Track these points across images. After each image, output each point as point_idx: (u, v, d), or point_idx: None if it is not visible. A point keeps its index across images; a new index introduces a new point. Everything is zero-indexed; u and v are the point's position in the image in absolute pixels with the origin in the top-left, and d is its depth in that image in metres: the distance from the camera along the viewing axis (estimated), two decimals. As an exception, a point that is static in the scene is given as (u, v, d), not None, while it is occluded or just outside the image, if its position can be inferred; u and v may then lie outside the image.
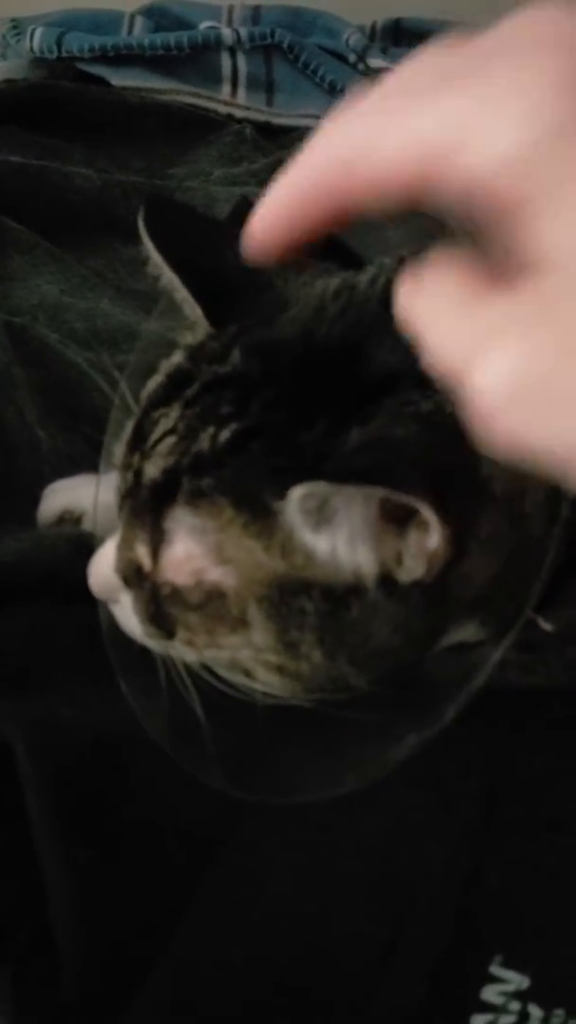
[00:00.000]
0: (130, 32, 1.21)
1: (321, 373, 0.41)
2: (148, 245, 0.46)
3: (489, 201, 0.25)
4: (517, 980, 0.43)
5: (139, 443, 0.43)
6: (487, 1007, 0.42)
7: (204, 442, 0.41)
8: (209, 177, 1.02)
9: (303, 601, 0.42)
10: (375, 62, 1.18)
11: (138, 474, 0.43)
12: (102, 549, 0.46)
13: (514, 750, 0.49)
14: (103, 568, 0.46)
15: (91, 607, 0.49)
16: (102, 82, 1.16)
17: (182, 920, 0.44)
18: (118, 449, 0.45)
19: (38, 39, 1.17)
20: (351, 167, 0.27)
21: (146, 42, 1.16)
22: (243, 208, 0.54)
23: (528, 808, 0.48)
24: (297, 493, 0.38)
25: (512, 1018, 0.42)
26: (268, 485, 0.39)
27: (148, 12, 1.25)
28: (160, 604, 0.44)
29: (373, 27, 1.28)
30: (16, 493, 0.61)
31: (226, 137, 1.10)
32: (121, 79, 1.16)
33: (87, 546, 0.49)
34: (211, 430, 0.41)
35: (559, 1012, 0.42)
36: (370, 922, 0.45)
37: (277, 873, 0.46)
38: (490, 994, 0.43)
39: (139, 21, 1.22)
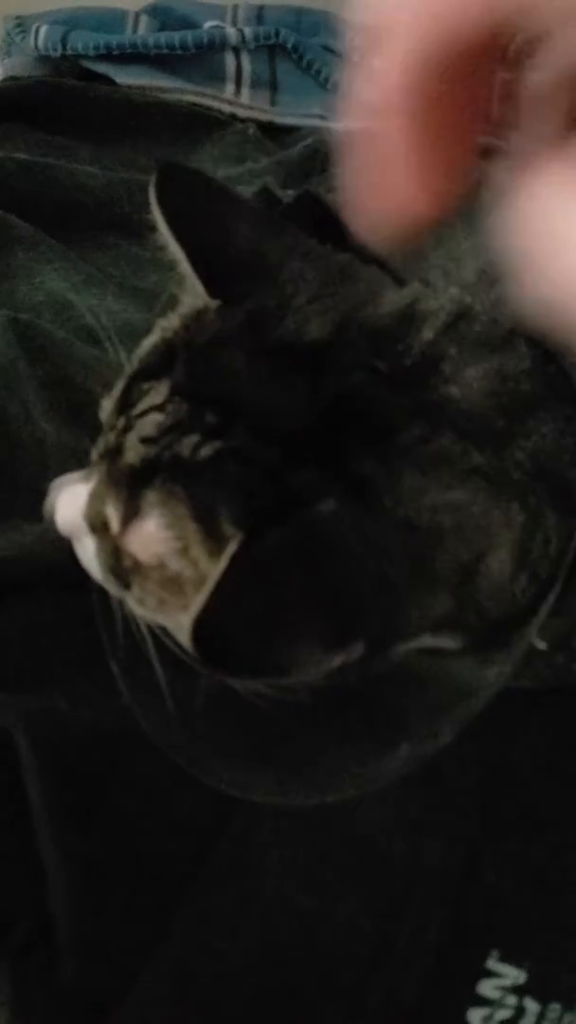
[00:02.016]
0: (135, 31, 1.21)
1: (338, 404, 0.41)
2: (156, 213, 0.45)
3: None
4: (514, 975, 0.43)
5: (125, 407, 0.44)
6: (484, 1001, 0.43)
7: (186, 448, 0.41)
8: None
9: None
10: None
11: (120, 442, 0.43)
12: (76, 488, 0.47)
13: (508, 748, 0.50)
14: (72, 509, 0.47)
15: (91, 601, 0.50)
16: (106, 80, 1.17)
17: (179, 913, 0.45)
18: (107, 404, 0.46)
19: (43, 37, 1.17)
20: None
21: (151, 41, 1.17)
22: (263, 196, 0.54)
23: (523, 805, 0.49)
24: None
25: (508, 1012, 0.42)
26: (229, 510, 0.40)
27: (153, 11, 1.25)
28: (121, 563, 0.44)
29: (377, 28, 1.28)
30: (21, 487, 0.61)
31: (229, 136, 1.10)
32: (125, 77, 1.17)
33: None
34: (195, 438, 0.41)
35: (555, 1006, 0.42)
36: (366, 917, 0.45)
37: (273, 867, 0.47)
38: (487, 988, 0.43)
39: (144, 20, 1.23)
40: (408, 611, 0.41)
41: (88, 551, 0.47)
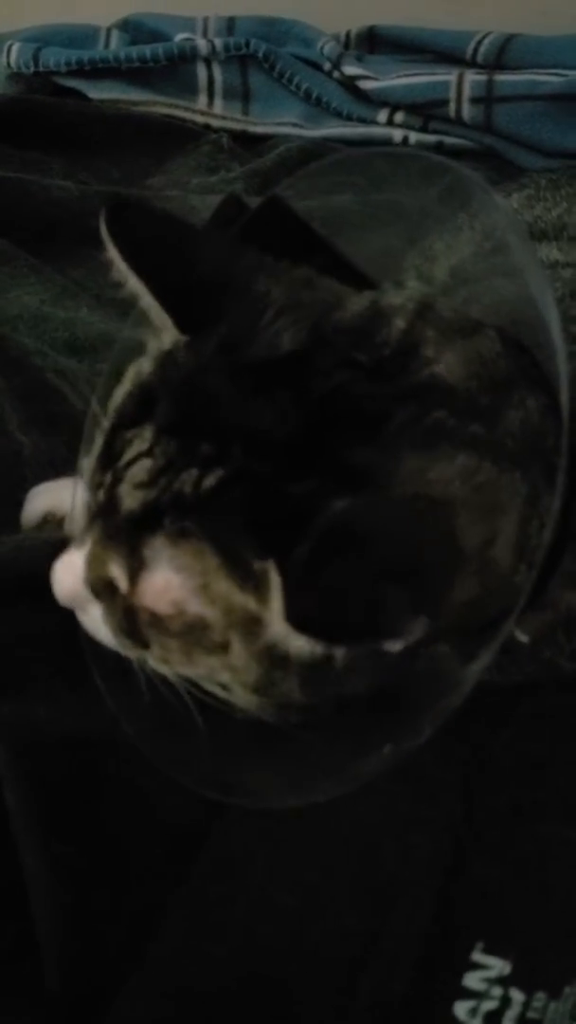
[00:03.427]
0: (107, 46, 1.22)
1: (320, 411, 0.41)
2: (111, 250, 0.44)
3: None
4: (499, 966, 0.43)
5: (110, 461, 0.42)
6: (470, 994, 0.43)
7: (187, 484, 0.40)
8: (187, 186, 1.03)
9: (288, 648, 0.41)
10: (350, 70, 1.19)
11: (112, 496, 0.42)
12: (68, 557, 0.45)
13: (493, 741, 0.50)
14: (70, 578, 0.45)
15: (70, 609, 0.50)
16: (79, 95, 1.17)
17: (164, 916, 0.45)
18: (87, 463, 0.44)
19: (15, 55, 1.18)
20: None
21: (122, 55, 1.18)
22: (230, 205, 0.54)
23: (508, 797, 0.49)
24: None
25: (494, 1003, 0.42)
26: (249, 540, 0.39)
27: (124, 25, 1.26)
28: (136, 622, 0.43)
29: (348, 35, 1.29)
30: (-3, 499, 0.62)
31: (203, 146, 1.11)
32: (98, 92, 1.18)
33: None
34: (194, 472, 0.40)
35: (540, 996, 0.42)
36: (352, 914, 0.45)
37: (258, 867, 0.47)
38: (472, 980, 0.43)
39: (115, 34, 1.24)
40: (446, 586, 0.41)
41: (94, 620, 0.45)
